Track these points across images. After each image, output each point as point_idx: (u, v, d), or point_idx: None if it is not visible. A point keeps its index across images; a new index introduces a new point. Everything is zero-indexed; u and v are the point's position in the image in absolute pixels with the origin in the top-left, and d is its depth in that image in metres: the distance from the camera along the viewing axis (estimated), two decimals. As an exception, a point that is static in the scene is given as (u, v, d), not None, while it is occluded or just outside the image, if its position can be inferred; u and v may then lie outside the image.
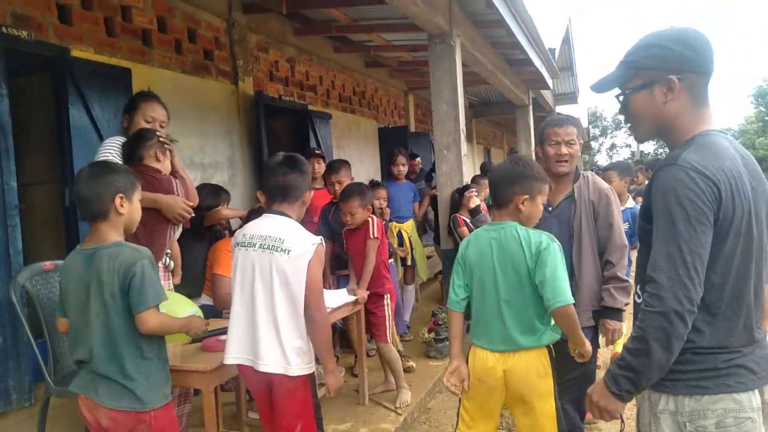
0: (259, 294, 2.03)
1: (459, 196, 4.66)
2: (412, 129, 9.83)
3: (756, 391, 1.38)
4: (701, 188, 1.29)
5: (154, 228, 2.47)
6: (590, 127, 41.57)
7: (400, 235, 4.84)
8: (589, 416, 3.38)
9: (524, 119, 9.58)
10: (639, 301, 1.46)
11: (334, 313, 3.01)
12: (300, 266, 2.01)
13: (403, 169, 4.92)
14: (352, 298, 3.15)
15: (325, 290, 3.34)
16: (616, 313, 2.53)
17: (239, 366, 2.10)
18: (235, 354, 2.07)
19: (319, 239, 2.08)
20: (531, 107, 9.62)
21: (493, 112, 13.70)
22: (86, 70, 3.69)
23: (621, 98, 1.50)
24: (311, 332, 2.04)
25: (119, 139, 2.67)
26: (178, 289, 2.88)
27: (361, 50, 7.15)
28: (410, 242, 4.90)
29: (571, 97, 13.77)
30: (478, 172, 7.81)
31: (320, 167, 4.38)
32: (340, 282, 3.76)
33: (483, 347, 2.11)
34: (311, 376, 2.07)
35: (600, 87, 1.55)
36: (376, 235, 3.31)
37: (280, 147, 6.96)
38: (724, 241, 1.33)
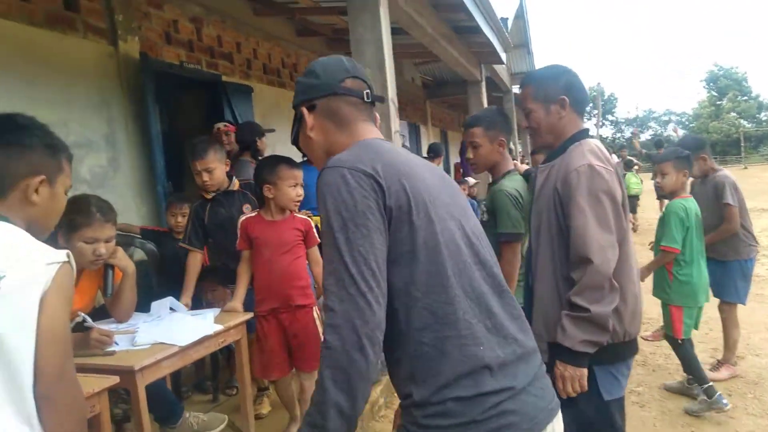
0: None
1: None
2: (356, 108, 8.95)
3: None
4: (353, 184, 1.13)
5: None
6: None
7: (317, 231, 3.96)
8: None
9: (477, 97, 8.79)
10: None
11: (191, 351, 2.13)
12: (22, 306, 1.13)
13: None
14: (217, 327, 2.26)
15: (179, 315, 2.44)
16: (568, 355, 1.76)
17: None
18: None
19: (63, 255, 1.20)
20: (484, 84, 8.85)
21: (447, 93, 12.96)
22: None
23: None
24: (46, 421, 1.16)
25: None
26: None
27: (285, 13, 6.20)
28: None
29: (528, 77, 13.11)
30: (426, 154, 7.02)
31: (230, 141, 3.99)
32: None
33: None
34: None
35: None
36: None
37: (188, 123, 6.00)
38: (416, 230, 1.13)
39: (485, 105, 8.94)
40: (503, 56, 8.03)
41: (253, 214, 2.73)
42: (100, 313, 2.39)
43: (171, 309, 2.48)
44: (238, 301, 2.61)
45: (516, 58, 11.95)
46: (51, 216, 1.32)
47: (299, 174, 2.72)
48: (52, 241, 1.37)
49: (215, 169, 2.79)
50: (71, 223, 2.09)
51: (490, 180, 2.64)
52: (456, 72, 8.46)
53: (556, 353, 1.78)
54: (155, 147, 4.35)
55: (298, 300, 2.61)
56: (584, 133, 1.91)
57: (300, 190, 2.69)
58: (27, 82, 3.55)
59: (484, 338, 1.12)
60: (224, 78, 5.57)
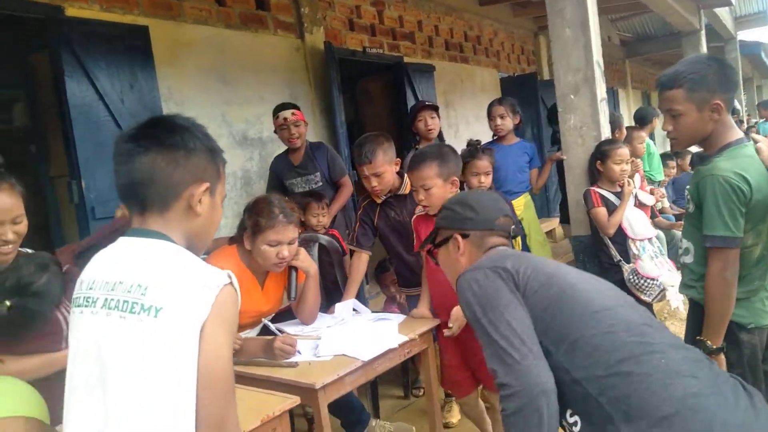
0: (98, 405, 1.02)
1: (595, 160, 3.28)
2: (546, 76, 8.18)
3: None
4: (482, 279, 1.34)
5: None
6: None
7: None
8: None
9: (694, 50, 7.42)
10: None
11: (375, 365, 1.94)
12: (182, 338, 0.97)
13: (503, 124, 3.58)
14: (402, 339, 2.02)
15: (362, 321, 2.24)
16: None
17: None
18: None
19: (224, 277, 1.02)
20: (703, 33, 7.44)
21: (651, 49, 11.35)
22: (85, 32, 2.96)
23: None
24: None
25: None
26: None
27: (468, -19, 5.80)
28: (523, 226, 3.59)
29: (758, 19, 10.83)
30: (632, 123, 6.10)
31: (434, 123, 3.54)
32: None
33: None
34: None
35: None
36: None
37: (374, 109, 5.96)
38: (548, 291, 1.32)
39: (705, 58, 7.53)
40: (731, -5, 6.63)
41: (424, 212, 2.37)
42: (285, 314, 2.34)
43: (354, 310, 2.33)
44: (425, 306, 2.33)
45: (743, -3, 9.92)
46: (210, 229, 1.15)
47: (426, 173, 2.21)
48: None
49: (385, 173, 2.45)
50: (255, 225, 2.02)
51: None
52: (664, 23, 7.25)
53: None
54: (340, 136, 4.33)
55: None
56: None
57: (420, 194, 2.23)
58: (223, 82, 3.72)
59: None
60: (406, 59, 5.39)
